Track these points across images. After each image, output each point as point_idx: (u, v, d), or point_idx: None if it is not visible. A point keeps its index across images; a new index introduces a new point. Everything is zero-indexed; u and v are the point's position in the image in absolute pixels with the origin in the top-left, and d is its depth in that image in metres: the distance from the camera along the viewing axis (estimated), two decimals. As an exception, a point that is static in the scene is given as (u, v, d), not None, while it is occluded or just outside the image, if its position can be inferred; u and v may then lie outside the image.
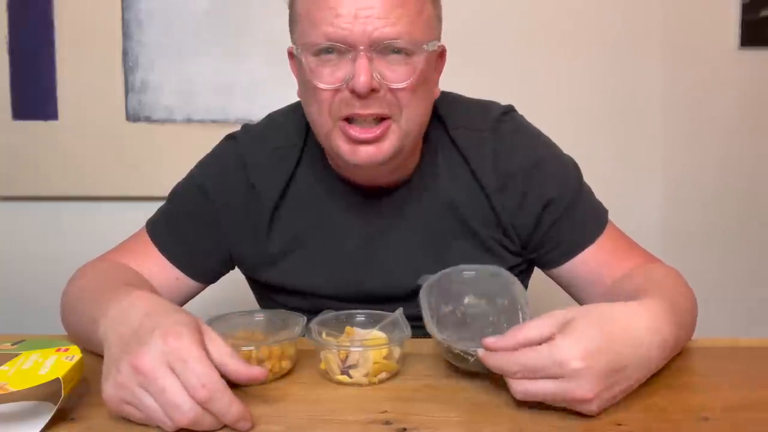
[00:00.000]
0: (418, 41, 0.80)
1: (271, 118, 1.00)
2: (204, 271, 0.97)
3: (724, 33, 1.66)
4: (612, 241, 0.93)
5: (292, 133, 0.95)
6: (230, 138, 0.98)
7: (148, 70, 1.66)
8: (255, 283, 1.02)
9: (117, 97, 1.66)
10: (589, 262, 0.92)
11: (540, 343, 0.62)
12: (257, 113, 1.07)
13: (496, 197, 0.91)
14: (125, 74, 1.65)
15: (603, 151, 1.67)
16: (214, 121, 1.65)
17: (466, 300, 0.80)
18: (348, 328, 0.78)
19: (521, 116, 0.98)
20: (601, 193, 0.98)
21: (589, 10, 1.65)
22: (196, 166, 0.99)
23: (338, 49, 0.79)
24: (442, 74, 0.91)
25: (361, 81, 0.77)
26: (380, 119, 0.82)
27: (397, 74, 0.80)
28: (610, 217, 0.96)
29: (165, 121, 1.67)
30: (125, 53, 1.65)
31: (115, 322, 0.66)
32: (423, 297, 0.77)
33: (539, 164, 0.92)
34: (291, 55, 0.88)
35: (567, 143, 0.97)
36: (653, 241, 1.08)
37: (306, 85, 0.84)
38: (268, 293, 1.00)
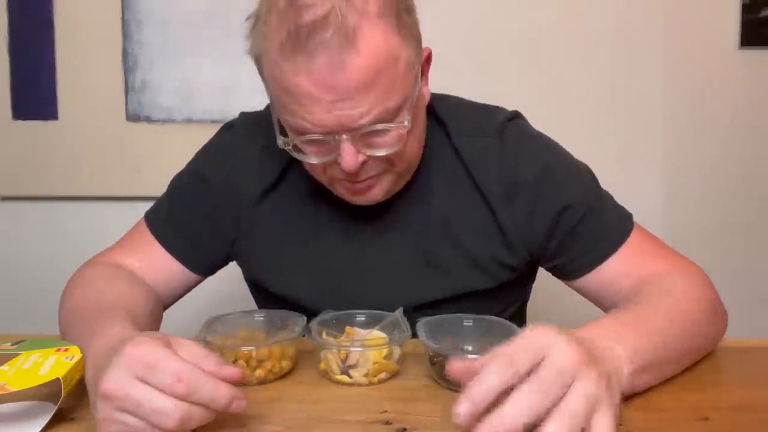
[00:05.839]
0: (400, 107, 0.76)
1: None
2: (204, 262, 0.96)
3: (724, 33, 1.66)
4: (636, 249, 0.86)
5: None
6: (228, 126, 0.97)
7: (148, 70, 1.66)
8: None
9: (117, 97, 1.66)
10: (612, 271, 0.85)
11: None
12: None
13: (502, 210, 0.87)
14: (125, 74, 1.65)
15: (603, 150, 1.67)
16: (214, 121, 1.65)
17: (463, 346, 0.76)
18: (348, 328, 0.78)
19: (528, 123, 0.94)
20: (601, 193, 0.98)
21: (590, 10, 1.65)
22: (195, 156, 0.98)
23: (318, 135, 0.76)
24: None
25: (349, 165, 0.76)
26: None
27: (385, 142, 0.78)
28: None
29: (165, 121, 1.67)
30: (125, 53, 1.65)
31: (89, 367, 0.63)
32: (420, 327, 0.74)
33: (550, 171, 0.87)
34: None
35: (567, 143, 0.97)
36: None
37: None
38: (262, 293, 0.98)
